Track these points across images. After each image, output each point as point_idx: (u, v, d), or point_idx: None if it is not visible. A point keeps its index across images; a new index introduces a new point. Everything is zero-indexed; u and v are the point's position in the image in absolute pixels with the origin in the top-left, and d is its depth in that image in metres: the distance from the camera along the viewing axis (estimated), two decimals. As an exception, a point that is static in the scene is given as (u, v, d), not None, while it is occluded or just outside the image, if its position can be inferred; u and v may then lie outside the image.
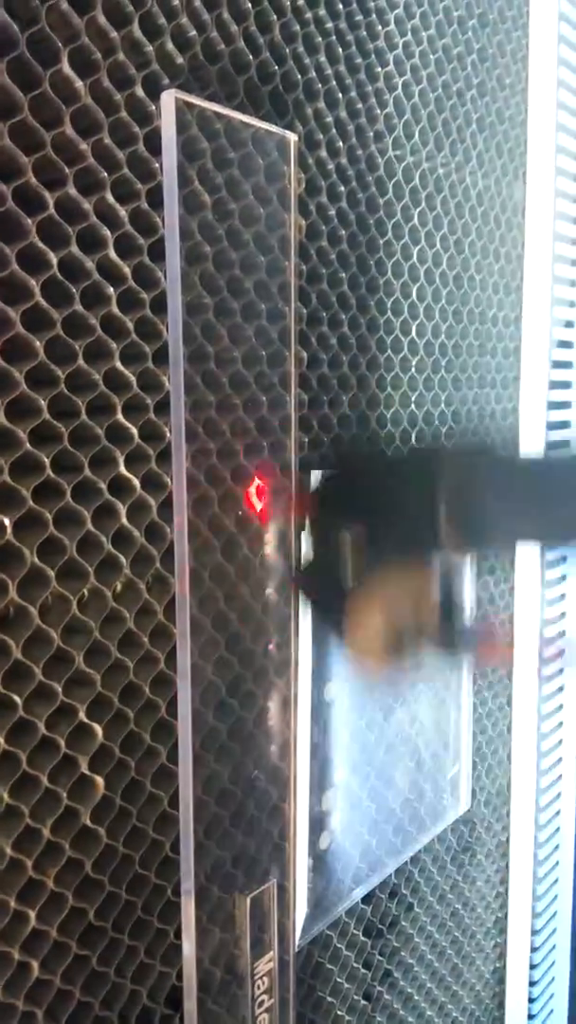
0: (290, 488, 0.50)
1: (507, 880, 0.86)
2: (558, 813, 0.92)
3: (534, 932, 0.89)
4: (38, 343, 0.39)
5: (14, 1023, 0.41)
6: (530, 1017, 0.90)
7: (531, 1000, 0.90)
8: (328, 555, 0.44)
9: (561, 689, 0.90)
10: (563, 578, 0.88)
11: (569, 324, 0.86)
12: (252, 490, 0.48)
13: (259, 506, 0.48)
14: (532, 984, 0.90)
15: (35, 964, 0.42)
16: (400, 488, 0.44)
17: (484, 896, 0.82)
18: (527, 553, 0.75)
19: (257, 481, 0.48)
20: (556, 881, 0.94)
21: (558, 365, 0.85)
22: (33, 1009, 0.42)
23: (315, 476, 0.55)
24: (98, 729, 0.43)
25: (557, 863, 0.94)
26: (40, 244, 0.39)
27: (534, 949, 0.89)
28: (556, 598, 0.88)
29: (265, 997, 0.54)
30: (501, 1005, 0.88)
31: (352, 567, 0.42)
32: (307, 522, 0.50)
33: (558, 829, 0.93)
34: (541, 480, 0.41)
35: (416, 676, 0.57)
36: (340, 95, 0.55)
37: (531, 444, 0.81)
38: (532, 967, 0.89)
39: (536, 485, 0.40)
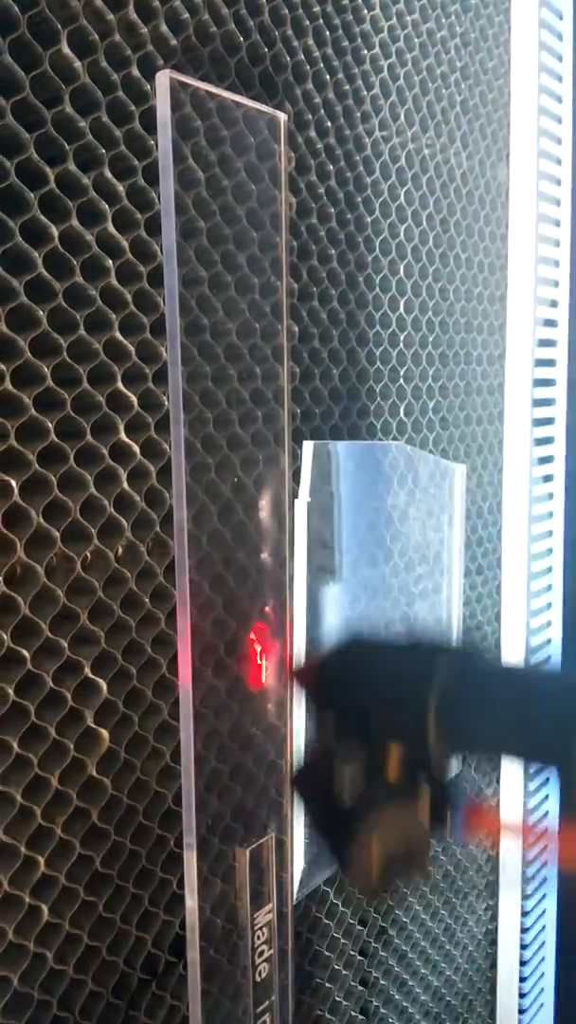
0: (291, 662, 0.53)
1: (497, 844, 0.88)
2: (547, 780, 0.95)
3: (524, 896, 0.92)
4: (41, 313, 0.41)
5: (25, 963, 0.43)
6: (522, 979, 0.93)
7: (523, 963, 0.93)
8: (325, 765, 0.46)
9: (548, 660, 0.93)
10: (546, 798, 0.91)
11: (553, 304, 0.88)
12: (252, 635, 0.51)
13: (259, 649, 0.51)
14: (524, 947, 0.92)
15: (45, 908, 0.44)
16: (395, 685, 0.45)
17: (476, 858, 0.85)
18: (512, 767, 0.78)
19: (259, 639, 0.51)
20: (546, 846, 0.96)
21: (543, 343, 0.87)
22: (43, 951, 0.44)
23: (306, 448, 0.57)
24: (103, 684, 0.45)
25: (547, 828, 0.96)
26: (42, 217, 0.40)
27: (525, 913, 0.92)
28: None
29: (265, 947, 0.56)
30: (493, 965, 0.90)
31: (348, 786, 0.44)
32: (303, 697, 0.53)
33: (547, 797, 0.95)
34: (529, 699, 0.43)
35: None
36: (328, 77, 0.57)
37: (515, 420, 0.84)
38: (523, 930, 0.92)
39: (523, 704, 0.42)
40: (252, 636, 0.52)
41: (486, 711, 0.42)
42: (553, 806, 0.92)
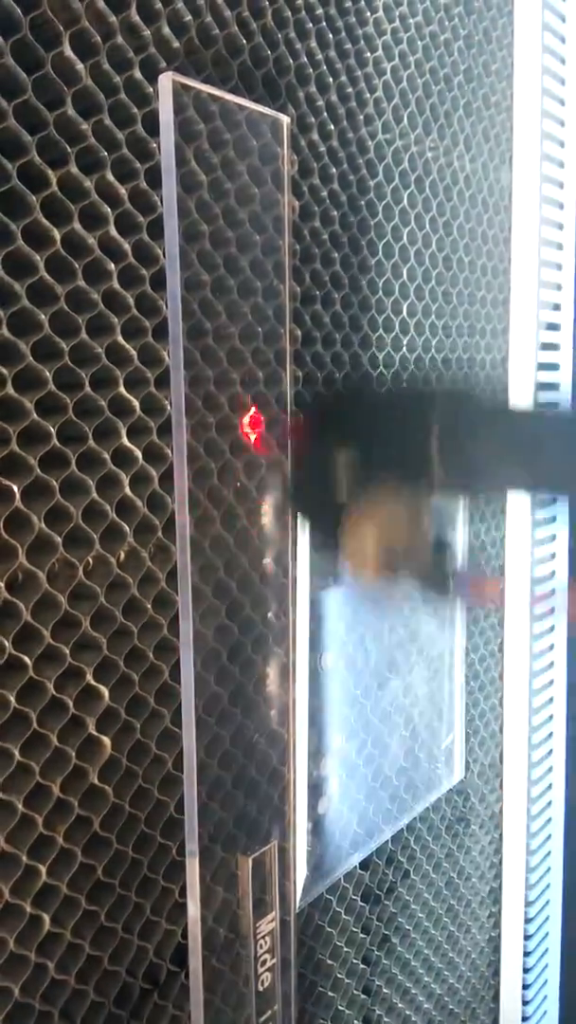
0: (284, 421, 0.51)
1: (501, 851, 0.88)
2: (550, 787, 0.94)
3: (528, 903, 0.91)
4: (43, 316, 0.40)
5: (27, 974, 0.43)
6: (525, 986, 0.92)
7: (526, 970, 0.92)
8: (322, 473, 0.45)
9: (552, 665, 0.92)
10: (553, 519, 0.89)
11: (556, 307, 0.88)
12: (247, 420, 0.49)
13: (253, 436, 0.49)
14: (527, 954, 0.92)
15: (46, 917, 0.43)
16: (393, 422, 0.44)
17: (479, 866, 0.84)
18: (517, 499, 0.76)
19: (251, 412, 0.49)
20: (549, 854, 0.96)
21: (546, 347, 0.86)
22: (45, 961, 0.43)
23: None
24: (104, 691, 0.45)
25: (549, 836, 0.96)
26: (44, 221, 0.40)
27: (528, 920, 0.91)
28: (547, 538, 0.89)
29: (267, 956, 0.56)
30: (496, 973, 0.90)
31: (346, 484, 0.43)
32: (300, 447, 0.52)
33: (550, 803, 0.95)
34: (532, 430, 0.42)
35: (409, 601, 0.58)
36: (331, 79, 0.57)
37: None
38: (527, 937, 0.91)
39: (527, 435, 0.41)
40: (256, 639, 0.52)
41: (494, 440, 0.41)
42: (558, 564, 0.89)
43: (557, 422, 0.44)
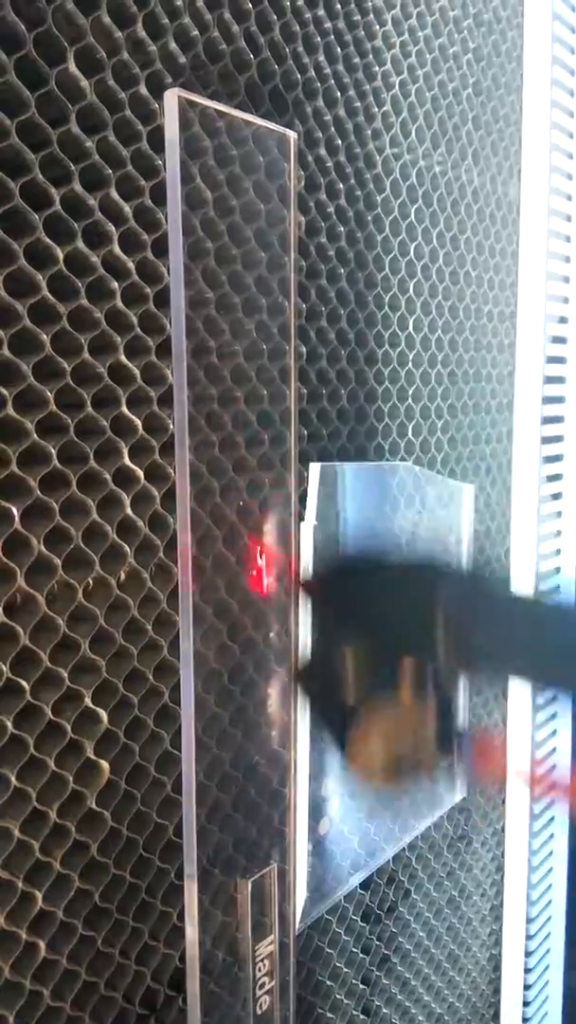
0: (292, 562, 0.52)
1: (503, 868, 0.87)
2: (553, 802, 0.93)
3: (529, 920, 0.91)
4: (45, 336, 0.40)
5: (22, 1002, 0.42)
6: (525, 1004, 0.92)
7: (527, 987, 0.91)
8: (329, 662, 0.45)
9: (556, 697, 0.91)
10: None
11: (563, 320, 0.87)
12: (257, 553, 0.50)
13: (262, 563, 0.50)
14: (528, 971, 0.91)
15: (42, 944, 0.43)
16: (401, 598, 0.45)
17: (480, 884, 0.83)
18: (519, 688, 0.77)
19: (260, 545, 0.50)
20: (551, 871, 0.95)
21: (552, 360, 0.86)
22: (40, 988, 0.43)
23: (313, 470, 0.56)
24: (103, 714, 0.44)
25: (551, 853, 0.95)
26: (47, 239, 0.39)
27: (529, 936, 0.90)
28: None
29: (266, 979, 0.55)
30: (497, 991, 0.89)
31: (353, 685, 0.44)
32: (308, 605, 0.52)
33: (552, 819, 0.94)
34: (536, 621, 0.42)
35: (414, 789, 0.59)
36: (339, 94, 0.56)
37: (524, 438, 0.83)
38: (527, 954, 0.91)
39: (531, 626, 0.42)
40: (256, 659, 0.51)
41: (497, 629, 0.41)
42: (561, 742, 0.90)
43: (561, 615, 0.44)
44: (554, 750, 0.89)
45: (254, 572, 0.49)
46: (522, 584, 0.83)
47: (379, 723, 0.43)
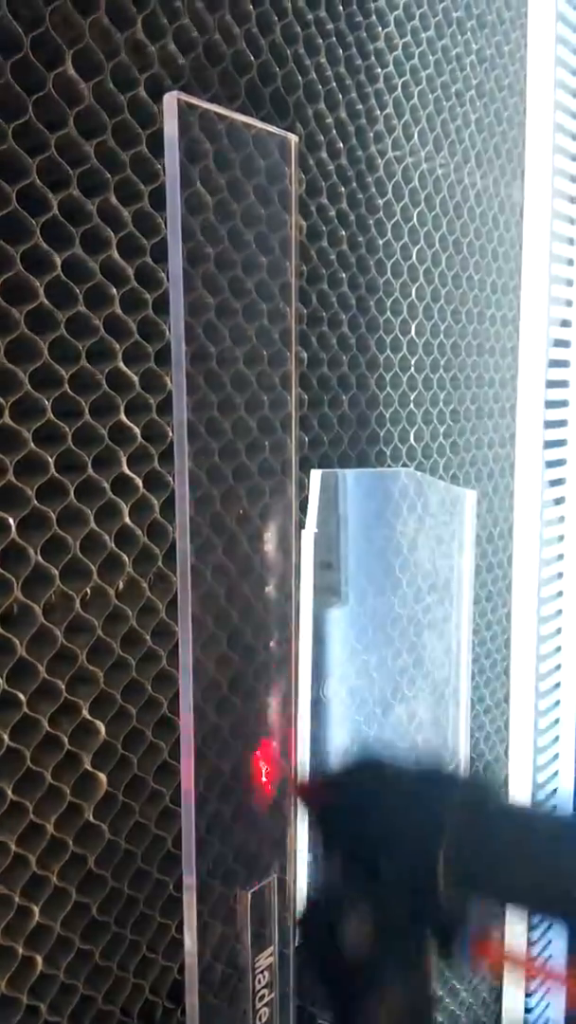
0: (297, 782, 0.53)
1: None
2: (555, 809, 0.93)
3: (531, 927, 0.90)
4: (42, 343, 0.39)
5: (18, 1017, 0.41)
6: (527, 1011, 0.91)
7: (528, 995, 0.91)
8: (330, 911, 0.45)
9: (558, 686, 0.91)
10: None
11: (565, 323, 0.87)
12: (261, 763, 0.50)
13: (265, 770, 0.51)
14: (528, 995, 0.90)
15: (39, 959, 0.42)
16: (405, 826, 0.44)
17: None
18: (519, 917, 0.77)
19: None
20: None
21: (555, 364, 0.85)
22: (37, 1003, 0.42)
23: (314, 477, 0.55)
24: (101, 726, 0.44)
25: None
26: (44, 245, 0.39)
27: (531, 943, 0.90)
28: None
29: (266, 991, 0.54)
30: (499, 999, 0.88)
31: (353, 950, 0.43)
32: (306, 816, 0.53)
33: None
34: (540, 851, 0.42)
35: None
36: (340, 96, 0.56)
37: (528, 442, 0.82)
38: (528, 981, 0.90)
39: (533, 856, 0.41)
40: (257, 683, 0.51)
41: (498, 862, 0.42)
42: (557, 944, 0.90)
43: (559, 831, 0.44)
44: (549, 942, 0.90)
45: (262, 778, 0.51)
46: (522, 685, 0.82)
47: (378, 998, 0.42)
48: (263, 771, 0.50)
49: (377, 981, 0.42)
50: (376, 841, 0.44)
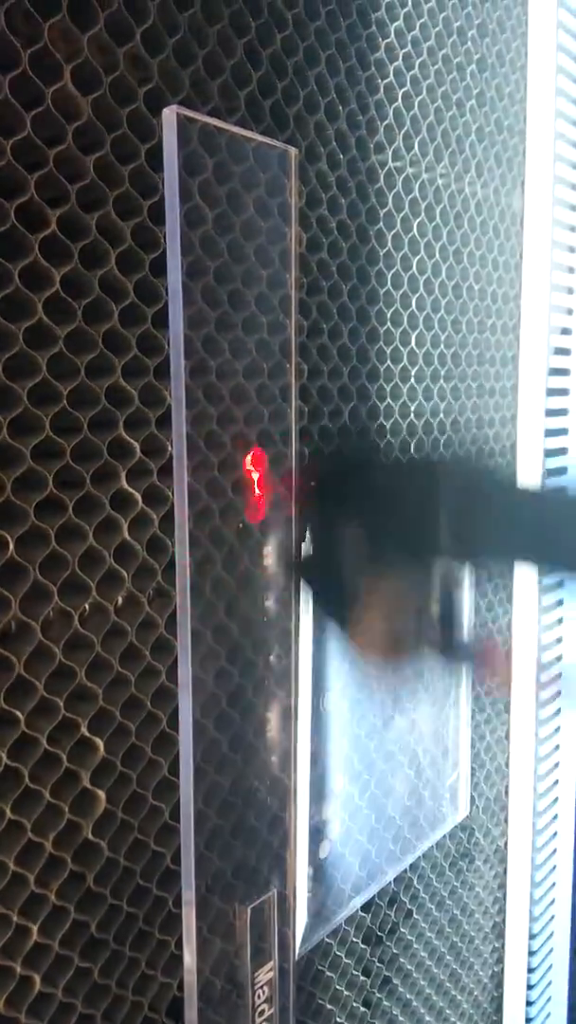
0: (290, 476, 0.50)
1: (505, 885, 0.86)
2: (555, 818, 0.93)
3: (531, 936, 0.90)
4: (41, 360, 0.39)
5: (16, 1036, 0.41)
6: (527, 1020, 0.91)
7: (529, 1003, 0.90)
8: (329, 548, 0.44)
9: (559, 694, 0.91)
10: (560, 603, 0.88)
11: (566, 331, 0.87)
12: (249, 459, 0.48)
13: (256, 475, 0.48)
14: (530, 987, 0.90)
15: (37, 978, 0.42)
16: (403, 490, 0.44)
17: (482, 901, 0.83)
18: (525, 575, 0.75)
19: (253, 451, 0.48)
20: (553, 885, 0.94)
21: (555, 372, 0.85)
22: (35, 1023, 0.42)
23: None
24: (100, 743, 0.44)
25: (554, 867, 0.94)
26: (43, 261, 0.39)
27: (531, 953, 0.90)
28: (553, 622, 0.88)
29: (265, 1007, 0.54)
30: (499, 1010, 0.88)
31: (353, 564, 0.43)
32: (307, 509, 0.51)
33: (555, 834, 0.93)
34: (541, 507, 0.41)
35: (415, 679, 0.58)
36: (341, 107, 0.55)
37: (529, 451, 0.82)
38: (530, 970, 0.90)
39: (536, 511, 0.41)
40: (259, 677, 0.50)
41: (500, 515, 0.41)
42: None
43: (564, 503, 0.43)
44: (559, 657, 0.89)
45: (254, 492, 0.48)
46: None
47: (378, 599, 0.42)
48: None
49: (377, 600, 0.41)
50: (375, 504, 0.44)
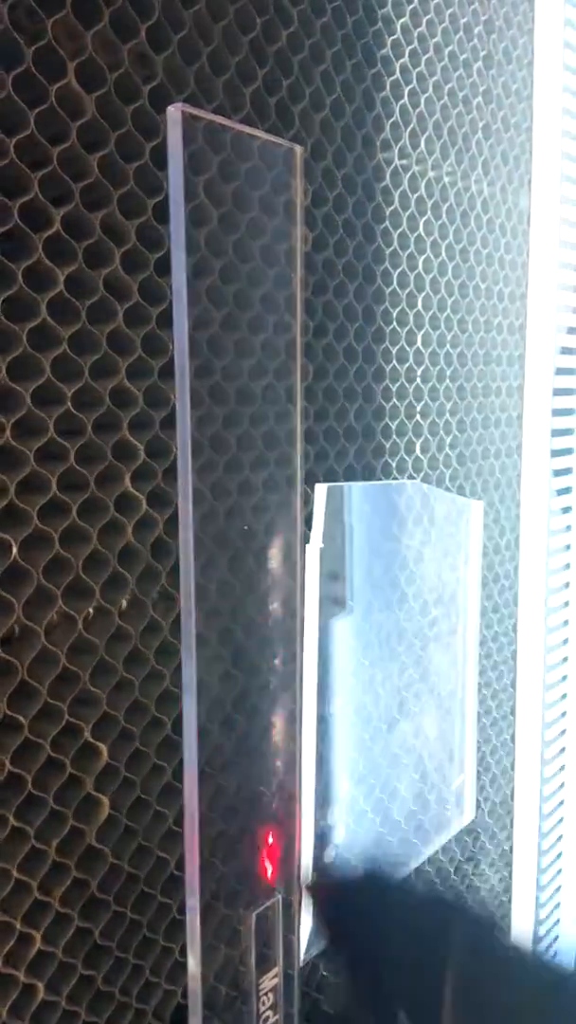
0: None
1: (510, 889, 0.86)
2: (561, 821, 0.92)
3: (536, 940, 0.89)
4: (45, 361, 0.39)
5: (19, 1045, 0.41)
6: None
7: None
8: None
9: (564, 697, 0.90)
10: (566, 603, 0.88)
11: (573, 330, 0.86)
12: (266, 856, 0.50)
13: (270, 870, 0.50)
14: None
15: (40, 985, 0.41)
16: (410, 952, 0.44)
17: (487, 905, 0.82)
18: None
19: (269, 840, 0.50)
20: (559, 889, 0.94)
21: (562, 372, 0.84)
22: (38, 1030, 0.42)
23: (319, 491, 0.55)
24: (103, 748, 0.43)
25: (560, 871, 0.93)
26: (47, 261, 0.38)
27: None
28: (559, 624, 0.87)
29: (270, 1013, 0.54)
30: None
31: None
32: (311, 909, 0.52)
33: (561, 837, 0.93)
34: (538, 1000, 0.42)
35: None
36: (347, 105, 0.55)
37: (534, 452, 0.81)
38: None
39: (533, 1003, 0.41)
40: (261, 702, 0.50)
41: (498, 1003, 0.41)
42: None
43: (559, 983, 0.44)
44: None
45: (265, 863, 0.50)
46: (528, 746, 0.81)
47: None
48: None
49: None
50: (380, 961, 0.45)
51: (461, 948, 0.42)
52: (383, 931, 0.45)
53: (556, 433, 0.84)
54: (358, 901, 0.48)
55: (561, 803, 0.91)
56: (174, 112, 0.42)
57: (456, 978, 0.41)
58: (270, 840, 0.52)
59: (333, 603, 0.57)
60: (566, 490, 0.87)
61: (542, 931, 0.89)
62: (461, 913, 0.45)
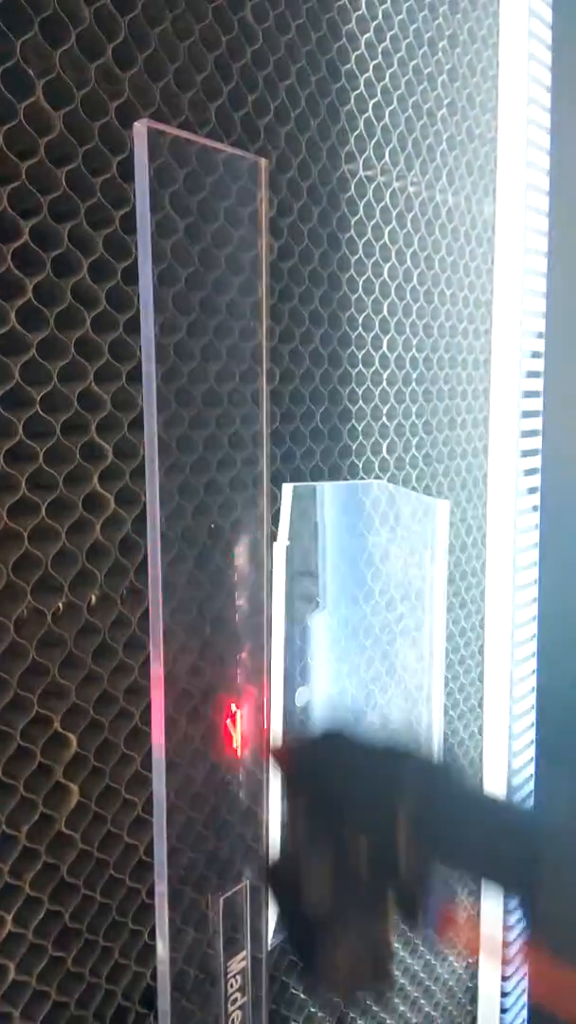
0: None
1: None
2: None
3: (507, 927, 0.91)
4: (13, 366, 0.40)
5: (-9, 1023, 0.43)
6: (503, 1011, 0.92)
7: (504, 995, 0.92)
8: (297, 864, 0.46)
9: (533, 690, 0.92)
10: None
11: (539, 335, 0.88)
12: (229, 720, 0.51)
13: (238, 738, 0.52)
14: (505, 979, 0.92)
15: (11, 966, 0.43)
16: (371, 787, 0.46)
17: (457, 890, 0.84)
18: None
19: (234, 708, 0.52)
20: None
21: (532, 375, 0.86)
22: (10, 1010, 0.43)
23: (286, 491, 0.57)
24: (73, 738, 0.45)
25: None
26: (16, 271, 0.40)
27: (507, 944, 0.91)
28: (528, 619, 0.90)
29: (238, 995, 0.55)
30: (474, 1000, 0.90)
31: (317, 901, 0.45)
32: (279, 774, 0.53)
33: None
34: (500, 827, 0.44)
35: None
36: (312, 118, 0.57)
37: (501, 452, 0.83)
38: (505, 962, 0.91)
39: (493, 830, 0.43)
40: (228, 695, 0.52)
41: (457, 829, 0.43)
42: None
43: (520, 816, 0.46)
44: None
45: (227, 728, 0.52)
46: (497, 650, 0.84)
47: (339, 944, 0.45)
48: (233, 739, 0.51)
49: (339, 933, 0.44)
50: (342, 801, 0.46)
51: (414, 789, 0.43)
52: (342, 777, 0.47)
53: (525, 434, 0.86)
54: (318, 751, 0.49)
55: (530, 794, 0.94)
56: (140, 127, 0.44)
57: (413, 805, 0.43)
58: (237, 831, 0.54)
59: (303, 599, 0.59)
60: (535, 489, 0.89)
61: (511, 920, 0.91)
62: (415, 760, 0.47)
